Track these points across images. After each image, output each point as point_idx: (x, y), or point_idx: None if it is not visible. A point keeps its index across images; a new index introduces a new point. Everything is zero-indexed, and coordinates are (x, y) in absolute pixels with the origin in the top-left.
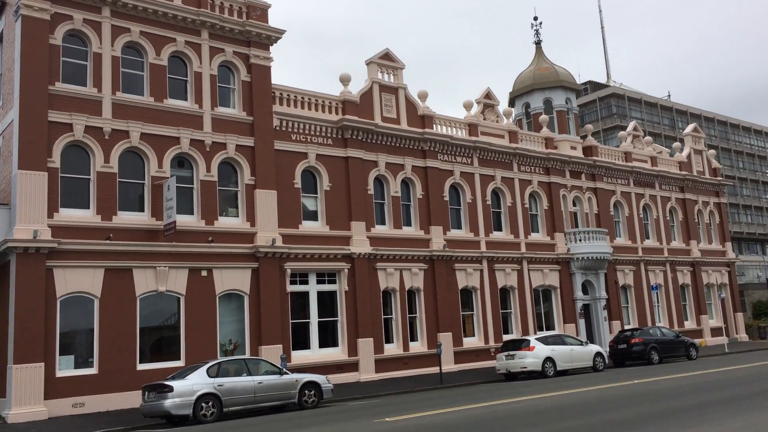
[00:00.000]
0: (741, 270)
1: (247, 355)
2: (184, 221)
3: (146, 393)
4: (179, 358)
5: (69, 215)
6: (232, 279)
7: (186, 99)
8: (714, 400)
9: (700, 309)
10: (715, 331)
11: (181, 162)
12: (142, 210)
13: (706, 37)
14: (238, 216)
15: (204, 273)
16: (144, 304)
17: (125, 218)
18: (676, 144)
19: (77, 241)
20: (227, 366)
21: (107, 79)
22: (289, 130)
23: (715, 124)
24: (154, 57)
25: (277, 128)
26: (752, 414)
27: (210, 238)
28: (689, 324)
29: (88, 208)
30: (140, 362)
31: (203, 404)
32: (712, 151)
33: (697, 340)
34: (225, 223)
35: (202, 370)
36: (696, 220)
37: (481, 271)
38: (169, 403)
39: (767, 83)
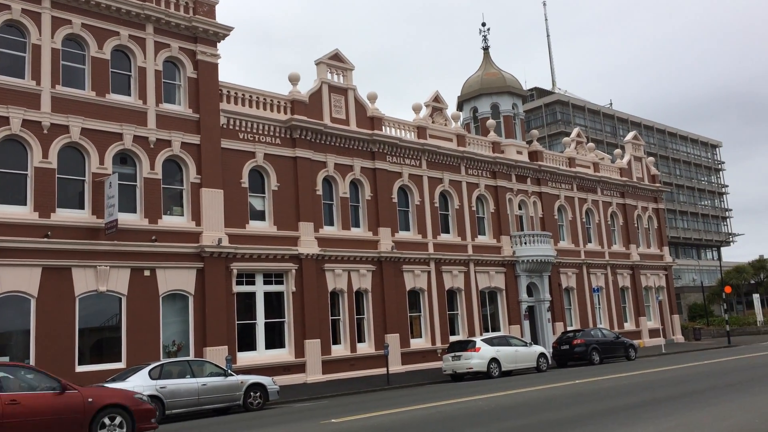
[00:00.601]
0: (677, 273)
1: (192, 357)
2: (127, 219)
3: None
4: (120, 360)
5: (4, 212)
6: (177, 279)
7: (129, 94)
8: (650, 400)
9: (639, 311)
10: (653, 333)
11: (124, 159)
12: (82, 207)
13: (646, 48)
14: (183, 215)
15: (147, 273)
16: (84, 305)
17: (64, 216)
18: (617, 151)
19: (13, 239)
20: (170, 368)
21: (46, 72)
22: (237, 128)
23: (654, 133)
24: (97, 50)
25: (224, 126)
26: (685, 413)
27: (153, 237)
28: (629, 325)
29: (25, 204)
30: (79, 364)
31: None
32: (651, 159)
33: (636, 341)
34: (169, 222)
35: (144, 372)
36: (635, 225)
37: (429, 272)
38: None
39: (704, 94)
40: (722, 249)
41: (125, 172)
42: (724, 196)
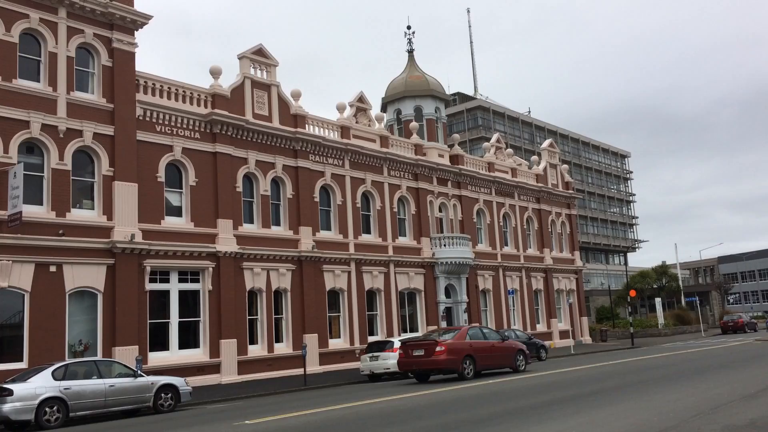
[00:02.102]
0: (587, 277)
1: (99, 357)
2: (32, 212)
3: None
4: (22, 360)
5: None
6: (85, 276)
7: (38, 80)
8: (558, 399)
9: (551, 313)
10: (563, 334)
11: (31, 148)
12: None
13: (562, 60)
14: (93, 209)
15: (53, 268)
16: None
17: None
18: (534, 157)
19: None
20: (75, 368)
21: None
22: (154, 120)
23: (569, 141)
24: (4, 33)
25: (140, 118)
26: (590, 411)
27: (61, 231)
28: (541, 327)
29: None
30: None
31: (47, 409)
32: (565, 166)
33: (547, 342)
34: (78, 215)
35: (47, 373)
36: (549, 230)
37: (349, 273)
38: (8, 407)
39: (614, 106)
40: (629, 254)
41: (32, 162)
42: (632, 204)
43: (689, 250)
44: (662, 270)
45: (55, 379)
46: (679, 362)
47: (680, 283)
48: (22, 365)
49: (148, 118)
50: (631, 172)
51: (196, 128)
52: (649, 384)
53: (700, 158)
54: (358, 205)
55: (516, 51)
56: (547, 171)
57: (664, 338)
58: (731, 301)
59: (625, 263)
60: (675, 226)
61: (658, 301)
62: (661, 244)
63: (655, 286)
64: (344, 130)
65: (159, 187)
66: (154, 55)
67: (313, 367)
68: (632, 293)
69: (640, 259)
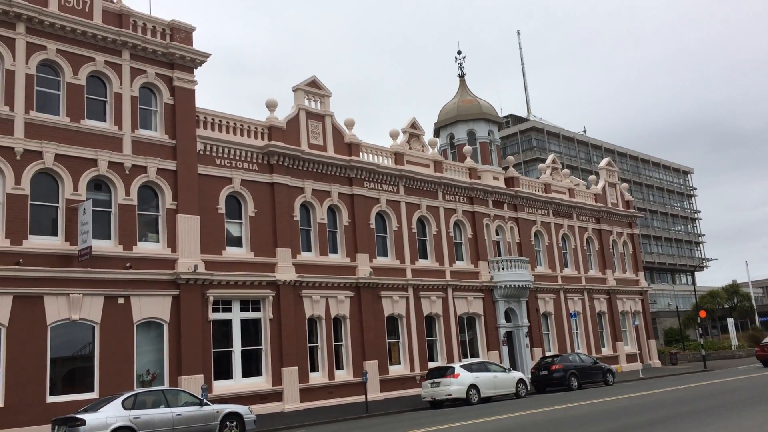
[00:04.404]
0: (653, 298)
1: (166, 386)
2: (101, 246)
3: (56, 427)
4: (93, 390)
5: None
6: (151, 307)
7: (105, 120)
8: (628, 425)
9: (616, 336)
10: (630, 357)
11: (99, 185)
12: (55, 234)
13: (616, 77)
14: (158, 241)
15: (121, 300)
16: (55, 333)
17: (36, 243)
18: (592, 177)
19: None
20: (144, 397)
21: (20, 98)
22: (213, 154)
23: (628, 159)
24: (72, 76)
25: (201, 152)
26: None
27: (128, 264)
28: (606, 350)
29: None
30: (51, 394)
31: None
32: (625, 185)
33: (613, 366)
34: (144, 248)
35: (117, 402)
36: (611, 250)
37: (407, 298)
38: None
39: (674, 122)
40: (696, 274)
41: (100, 198)
42: (697, 221)
43: (761, 268)
44: (733, 289)
45: (125, 408)
46: (757, 386)
47: (753, 302)
48: (93, 395)
49: (208, 152)
50: (695, 189)
51: (254, 160)
52: (726, 408)
53: (765, 173)
54: (414, 230)
55: (568, 71)
56: (606, 190)
57: (738, 360)
58: None
59: (693, 283)
60: (744, 244)
61: (730, 321)
62: (730, 262)
63: (726, 306)
64: (398, 157)
65: (220, 219)
66: (210, 92)
67: (374, 393)
68: (702, 314)
69: (709, 279)
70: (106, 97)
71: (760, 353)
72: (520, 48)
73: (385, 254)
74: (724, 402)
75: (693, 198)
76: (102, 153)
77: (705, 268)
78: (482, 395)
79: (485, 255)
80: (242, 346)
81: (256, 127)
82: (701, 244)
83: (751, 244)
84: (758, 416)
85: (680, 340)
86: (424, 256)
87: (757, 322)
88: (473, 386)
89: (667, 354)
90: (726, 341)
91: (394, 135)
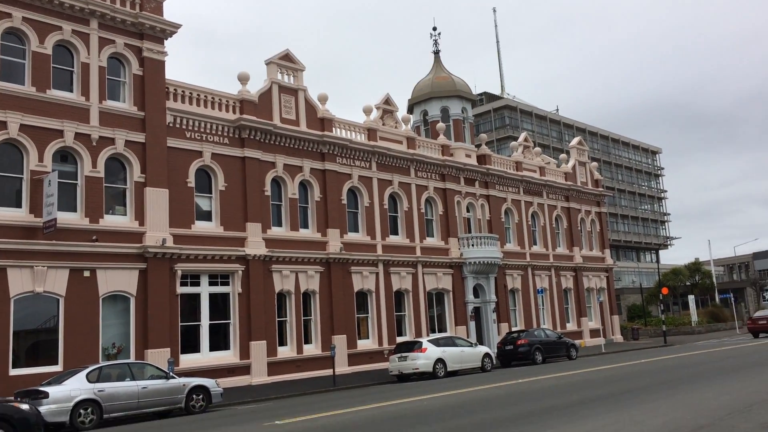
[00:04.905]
0: (618, 275)
1: (132, 360)
2: (66, 219)
3: (19, 400)
4: (57, 363)
5: None
6: (118, 280)
7: (72, 90)
8: (588, 398)
9: (581, 312)
10: (594, 333)
11: (65, 156)
12: (19, 206)
13: (589, 57)
14: (125, 214)
15: (87, 273)
16: (19, 306)
17: (0, 214)
18: (563, 156)
19: None
20: (109, 370)
21: None
22: (183, 127)
23: (598, 138)
24: (38, 45)
25: (171, 125)
26: (621, 410)
27: (94, 237)
28: (571, 326)
29: None
30: (13, 367)
31: (81, 411)
32: (595, 164)
33: (577, 341)
34: (111, 221)
35: (81, 375)
36: (579, 228)
37: (377, 274)
38: (44, 410)
39: (644, 102)
40: (660, 252)
41: (66, 170)
42: (663, 201)
43: (723, 247)
44: (695, 267)
45: (89, 381)
46: (713, 360)
47: (714, 279)
48: (57, 368)
49: (178, 125)
50: (662, 169)
51: (225, 134)
52: (682, 382)
53: (731, 153)
54: (386, 206)
55: (542, 50)
56: (576, 169)
57: (697, 336)
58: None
59: (657, 261)
60: (708, 223)
61: (691, 298)
62: (694, 241)
63: (688, 284)
64: (371, 133)
65: (189, 193)
66: (180, 64)
67: (342, 368)
68: (664, 291)
69: (673, 257)
70: (73, 67)
71: (751, 326)
72: (496, 26)
73: (356, 230)
74: (683, 375)
75: (660, 178)
76: (68, 124)
77: (669, 247)
78: (449, 369)
79: (455, 232)
80: (210, 320)
81: (227, 101)
82: (666, 223)
83: (714, 223)
84: (713, 389)
85: (642, 316)
86: (395, 233)
87: (717, 299)
88: (440, 360)
89: (629, 329)
90: (686, 317)
91: (367, 111)
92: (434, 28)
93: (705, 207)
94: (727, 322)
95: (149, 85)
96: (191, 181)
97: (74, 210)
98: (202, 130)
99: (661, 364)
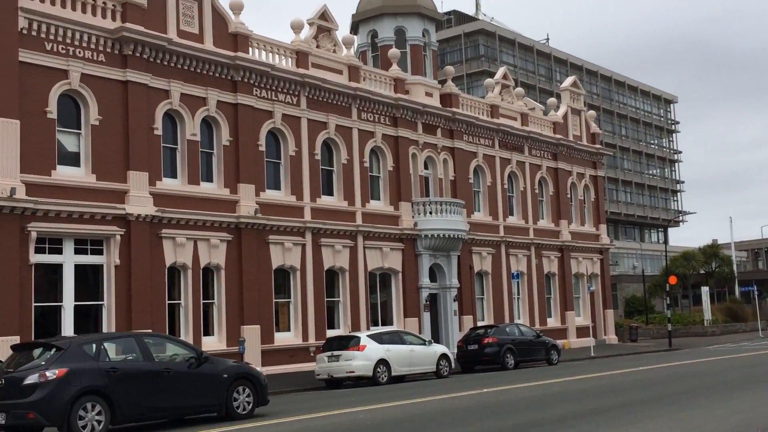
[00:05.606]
0: (615, 258)
1: None
2: None
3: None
4: None
5: None
6: None
7: None
8: (567, 415)
9: (566, 304)
10: (582, 331)
11: None
12: None
13: None
14: None
15: None
16: None
17: None
18: (552, 100)
19: None
20: None
21: None
22: (42, 36)
23: (598, 80)
24: None
25: (25, 32)
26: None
27: None
28: (553, 321)
29: None
30: None
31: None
32: (592, 113)
33: (560, 342)
34: None
35: None
36: (568, 195)
37: (304, 246)
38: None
39: (658, 38)
40: (670, 230)
41: None
42: (676, 164)
43: (748, 227)
44: (712, 251)
45: None
46: (727, 369)
47: (734, 268)
48: None
49: (34, 33)
50: (677, 123)
51: (101, 48)
52: (686, 396)
53: (763, 107)
54: (318, 157)
55: None
56: (569, 118)
57: (710, 338)
58: None
59: (665, 241)
60: (731, 195)
61: (704, 290)
62: (712, 217)
63: (702, 272)
64: (300, 57)
65: (49, 126)
66: None
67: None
68: (672, 280)
69: (685, 237)
70: None
71: None
72: None
73: (276, 187)
74: (689, 388)
75: (674, 134)
76: None
77: (681, 224)
78: (393, 373)
79: (409, 195)
80: (76, 300)
81: (104, 3)
82: (679, 194)
83: (738, 195)
84: (726, 405)
85: (643, 311)
86: (329, 192)
87: (737, 293)
88: (383, 362)
89: (627, 328)
90: (698, 314)
91: (297, 27)
92: None
93: (728, 174)
94: (747, 322)
95: None
96: (52, 110)
97: None
98: (68, 41)
99: (663, 373)
